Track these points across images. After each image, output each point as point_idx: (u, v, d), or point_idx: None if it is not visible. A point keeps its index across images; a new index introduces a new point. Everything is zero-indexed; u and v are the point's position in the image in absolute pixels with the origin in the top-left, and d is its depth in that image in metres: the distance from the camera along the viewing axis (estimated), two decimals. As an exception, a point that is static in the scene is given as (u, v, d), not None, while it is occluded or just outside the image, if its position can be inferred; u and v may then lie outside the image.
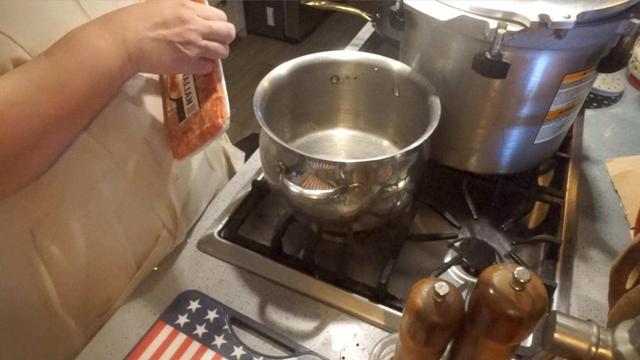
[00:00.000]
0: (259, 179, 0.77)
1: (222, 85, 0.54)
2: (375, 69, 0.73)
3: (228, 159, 0.86)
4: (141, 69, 0.50)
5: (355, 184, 0.56)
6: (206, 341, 0.57)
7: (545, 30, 0.55)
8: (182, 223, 0.67)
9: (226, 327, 0.58)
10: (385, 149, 0.80)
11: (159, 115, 0.60)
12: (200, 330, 0.58)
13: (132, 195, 0.59)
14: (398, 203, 0.64)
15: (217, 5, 2.49)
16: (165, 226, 0.65)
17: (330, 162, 0.56)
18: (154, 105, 0.59)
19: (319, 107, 0.79)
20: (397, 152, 0.56)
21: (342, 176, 0.56)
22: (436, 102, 0.64)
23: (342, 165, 0.56)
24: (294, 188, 0.55)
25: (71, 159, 0.50)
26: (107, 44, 0.46)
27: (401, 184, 0.60)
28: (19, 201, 0.48)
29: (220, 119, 0.52)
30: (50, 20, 0.46)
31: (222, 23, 0.52)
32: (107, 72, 0.46)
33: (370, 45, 1.15)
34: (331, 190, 0.55)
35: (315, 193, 0.55)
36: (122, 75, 0.48)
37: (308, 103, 0.77)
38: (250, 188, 0.76)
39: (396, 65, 0.72)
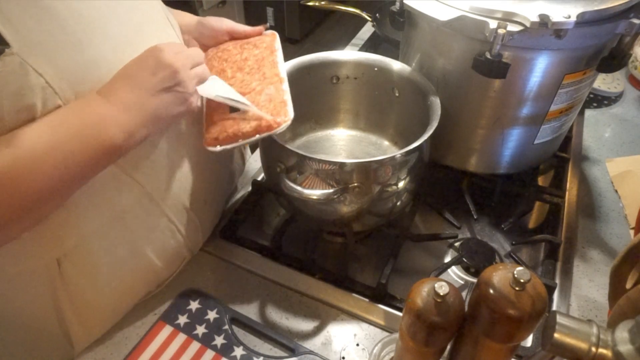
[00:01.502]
0: (259, 179, 0.77)
1: (285, 84, 0.56)
2: (375, 69, 0.73)
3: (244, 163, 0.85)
4: (156, 129, 0.49)
5: (355, 184, 0.56)
6: (206, 341, 0.57)
7: (545, 30, 0.55)
8: (201, 240, 0.68)
9: (226, 327, 0.58)
10: (385, 149, 0.80)
11: (189, 143, 0.59)
12: (200, 330, 0.58)
13: (162, 223, 0.58)
14: (398, 203, 0.64)
15: (217, 6, 2.49)
16: (189, 249, 0.65)
17: (330, 162, 0.56)
18: (183, 132, 0.58)
19: (319, 107, 0.79)
20: (397, 152, 0.56)
21: (342, 176, 0.56)
22: (436, 102, 0.64)
23: (342, 165, 0.56)
24: (294, 188, 0.55)
25: (99, 192, 0.49)
26: (112, 115, 0.44)
27: (401, 184, 0.60)
28: (47, 233, 0.47)
29: (281, 117, 0.53)
30: (86, 56, 0.45)
31: (191, 49, 0.51)
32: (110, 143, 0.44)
33: (370, 45, 1.15)
34: (331, 190, 0.55)
35: (315, 193, 0.55)
36: (132, 141, 0.46)
37: (308, 103, 0.77)
38: (250, 188, 0.76)
39: (396, 65, 0.72)
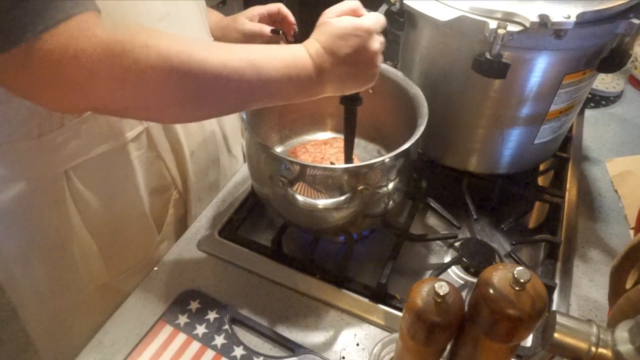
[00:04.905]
0: (259, 179, 0.77)
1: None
2: None
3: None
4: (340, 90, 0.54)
5: (362, 187, 0.56)
6: (206, 341, 0.57)
7: (545, 30, 0.55)
8: (194, 194, 0.74)
9: (226, 327, 0.58)
10: (363, 147, 0.80)
11: None
12: (201, 330, 0.58)
13: (153, 157, 0.66)
14: (390, 203, 0.63)
15: (217, 6, 2.48)
16: (177, 189, 0.72)
17: (330, 169, 0.56)
18: None
19: (299, 111, 0.79)
20: (386, 156, 0.57)
21: (350, 181, 0.56)
22: (419, 95, 0.65)
23: (333, 170, 0.56)
24: (307, 201, 0.55)
25: (109, 123, 0.58)
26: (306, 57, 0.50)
27: (391, 185, 0.60)
28: (58, 147, 0.56)
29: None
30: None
31: (376, 18, 0.53)
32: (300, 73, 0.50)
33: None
34: (342, 198, 0.55)
35: (328, 202, 0.55)
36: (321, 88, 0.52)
37: (292, 107, 0.76)
38: (250, 188, 0.76)
39: None
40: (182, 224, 0.76)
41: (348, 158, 0.65)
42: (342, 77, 0.52)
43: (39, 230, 0.63)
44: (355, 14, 0.52)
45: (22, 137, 0.54)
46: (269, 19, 0.82)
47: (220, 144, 0.80)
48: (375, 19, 0.52)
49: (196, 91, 0.45)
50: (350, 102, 0.59)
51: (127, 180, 0.65)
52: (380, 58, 0.52)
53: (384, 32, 0.54)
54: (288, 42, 0.81)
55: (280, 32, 0.80)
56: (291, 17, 0.82)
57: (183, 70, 0.43)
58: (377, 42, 0.51)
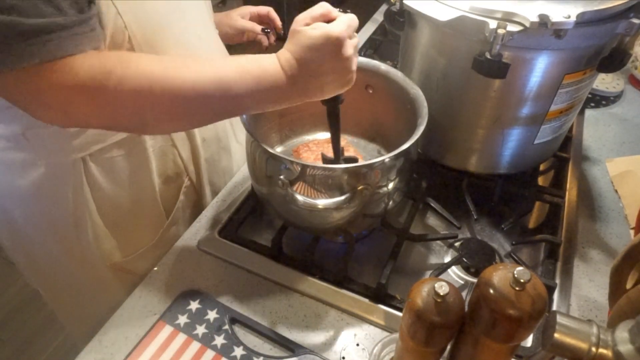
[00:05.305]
0: (259, 179, 0.77)
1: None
2: None
3: None
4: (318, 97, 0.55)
5: (362, 186, 0.56)
6: (206, 341, 0.57)
7: (545, 30, 0.55)
8: (207, 179, 0.79)
9: (226, 327, 0.58)
10: (363, 146, 0.80)
11: None
12: (200, 330, 0.58)
13: (167, 146, 0.70)
14: (390, 203, 0.63)
15: (217, 5, 2.48)
16: (189, 176, 0.76)
17: (331, 169, 0.56)
18: None
19: (294, 115, 0.79)
20: (386, 156, 0.57)
21: (350, 180, 0.56)
22: (420, 95, 0.65)
23: (333, 170, 0.56)
24: (308, 201, 0.55)
25: None
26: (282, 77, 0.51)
27: (391, 185, 0.60)
28: (77, 134, 0.59)
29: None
30: (146, 6, 0.57)
31: (348, 22, 0.52)
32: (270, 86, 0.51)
33: (370, 46, 1.15)
34: (342, 198, 0.55)
35: (328, 202, 0.55)
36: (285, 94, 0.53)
37: (292, 107, 0.76)
38: (250, 188, 0.76)
39: (369, 63, 0.72)
40: (195, 210, 0.79)
41: (336, 156, 0.65)
42: (317, 86, 0.52)
43: (56, 213, 0.66)
44: (326, 17, 0.52)
45: (42, 123, 0.57)
46: (259, 18, 0.92)
47: (229, 132, 0.84)
48: (346, 24, 0.50)
49: (169, 113, 0.50)
50: (331, 103, 0.58)
51: (141, 168, 0.68)
52: (355, 61, 0.52)
53: (385, 31, 0.53)
54: (269, 43, 0.91)
55: (270, 32, 0.90)
56: (278, 22, 0.91)
57: (155, 99, 0.48)
58: (350, 48, 0.50)
